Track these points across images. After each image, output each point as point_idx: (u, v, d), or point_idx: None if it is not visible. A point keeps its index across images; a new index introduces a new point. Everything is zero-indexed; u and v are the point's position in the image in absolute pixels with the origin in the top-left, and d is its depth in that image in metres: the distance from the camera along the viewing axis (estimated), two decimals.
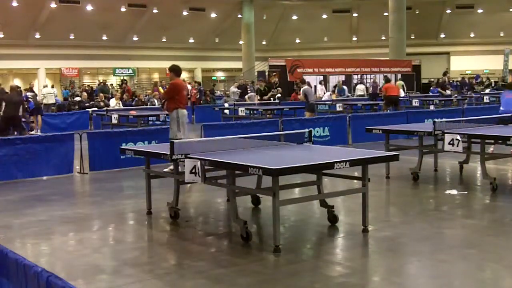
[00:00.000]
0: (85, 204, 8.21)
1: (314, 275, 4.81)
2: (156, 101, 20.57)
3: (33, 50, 35.10)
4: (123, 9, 35.90)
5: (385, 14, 34.11)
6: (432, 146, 9.38)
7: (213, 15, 40.02)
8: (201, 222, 7.05)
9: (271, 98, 23.71)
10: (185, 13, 38.52)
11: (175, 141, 6.54)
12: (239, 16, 39.56)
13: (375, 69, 32.12)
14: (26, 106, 15.88)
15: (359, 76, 32.59)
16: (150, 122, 15.81)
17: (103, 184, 9.48)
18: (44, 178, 9.91)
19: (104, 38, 37.55)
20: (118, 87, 32.32)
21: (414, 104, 19.87)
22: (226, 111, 19.47)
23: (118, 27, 36.86)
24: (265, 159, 5.91)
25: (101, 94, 23.47)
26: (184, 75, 41.80)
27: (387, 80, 19.83)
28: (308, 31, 42.49)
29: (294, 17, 42.68)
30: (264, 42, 43.24)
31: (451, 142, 7.91)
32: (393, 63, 33.04)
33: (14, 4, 31.46)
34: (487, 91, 29.35)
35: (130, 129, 12.74)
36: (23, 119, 14.15)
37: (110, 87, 31.54)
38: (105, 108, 18.46)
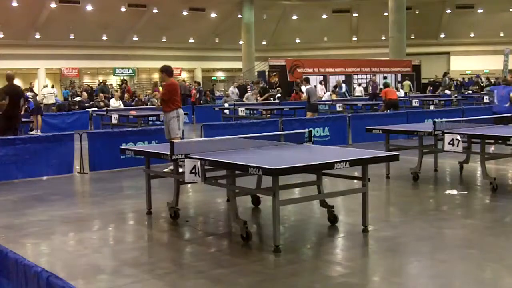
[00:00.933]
0: (85, 204, 8.21)
1: (314, 275, 4.81)
2: (156, 101, 20.56)
3: (33, 50, 35.12)
4: (123, 9, 35.92)
5: (385, 14, 34.13)
6: (432, 146, 9.38)
7: (213, 15, 40.03)
8: (201, 222, 7.05)
9: (271, 98, 23.69)
10: (185, 13, 38.53)
11: (175, 141, 6.53)
12: (239, 16, 39.57)
13: (375, 69, 32.12)
14: (26, 106, 15.83)
15: (359, 76, 32.59)
16: (150, 122, 15.81)
17: (103, 184, 9.48)
18: (44, 178, 9.91)
19: (104, 38, 37.56)
20: (118, 87, 32.31)
21: (414, 104, 19.87)
22: (226, 111, 19.47)
23: (118, 27, 36.87)
24: (265, 159, 5.91)
25: (101, 94, 23.47)
26: (184, 75, 41.91)
27: (386, 85, 19.85)
28: (308, 31, 42.50)
29: (294, 17, 42.69)
30: (264, 42, 43.26)
31: (451, 142, 7.91)
32: (393, 63, 33.05)
33: (14, 4, 31.47)
34: (485, 90, 29.34)
35: (130, 129, 12.74)
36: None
37: (110, 87, 31.55)
38: (105, 108, 18.46)
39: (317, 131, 13.39)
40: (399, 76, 32.90)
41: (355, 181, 6.86)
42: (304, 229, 6.47)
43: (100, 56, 37.78)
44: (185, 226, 6.68)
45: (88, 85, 33.74)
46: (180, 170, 6.71)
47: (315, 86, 29.67)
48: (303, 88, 17.00)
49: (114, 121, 15.40)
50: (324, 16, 42.58)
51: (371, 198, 6.16)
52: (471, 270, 4.96)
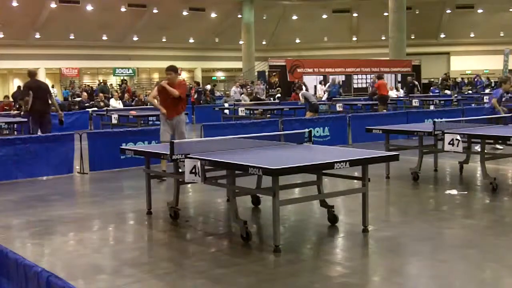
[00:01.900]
0: (85, 204, 8.21)
1: (314, 275, 4.81)
2: (156, 101, 20.53)
3: (33, 50, 35.15)
4: (123, 9, 35.94)
5: (385, 14, 34.15)
6: (432, 146, 9.38)
7: (213, 15, 40.05)
8: (201, 222, 7.05)
9: (271, 99, 23.70)
10: (185, 13, 38.55)
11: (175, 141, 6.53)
12: (239, 16, 39.59)
13: (375, 69, 32.14)
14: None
15: (359, 76, 32.60)
16: (150, 122, 15.80)
17: (103, 184, 9.48)
18: (44, 178, 9.91)
19: (104, 38, 37.59)
20: (118, 87, 32.33)
21: (414, 104, 19.87)
22: (226, 111, 19.48)
23: (118, 27, 36.89)
24: (265, 159, 5.90)
25: (101, 94, 23.47)
26: (184, 75, 41.92)
27: (380, 77, 19.76)
28: (308, 31, 42.52)
29: (294, 17, 42.72)
30: (264, 42, 43.28)
31: (451, 142, 7.91)
32: (393, 63, 33.07)
33: (14, 4, 31.49)
34: (487, 91, 29.35)
35: (130, 129, 12.74)
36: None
37: (110, 87, 31.57)
38: (105, 108, 18.46)
39: (317, 131, 13.39)
40: (399, 76, 32.91)
41: (355, 181, 6.86)
42: (304, 229, 6.47)
43: (100, 56, 37.80)
44: (185, 226, 6.68)
45: (88, 85, 33.76)
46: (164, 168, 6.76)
47: (315, 86, 29.81)
48: (300, 94, 17.07)
49: (114, 121, 15.41)
50: (324, 16, 42.60)
51: (371, 198, 6.15)
52: (471, 270, 4.96)
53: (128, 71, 40.63)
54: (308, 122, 13.58)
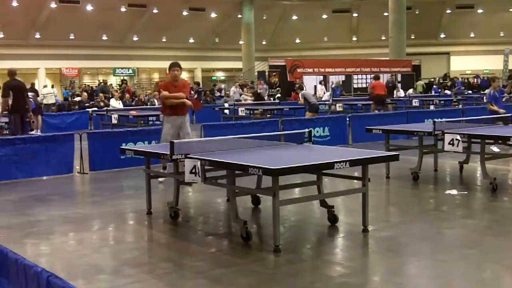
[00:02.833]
0: (85, 204, 8.21)
1: (314, 275, 4.81)
2: (156, 101, 20.56)
3: (33, 50, 35.15)
4: (123, 9, 35.94)
5: (385, 14, 34.15)
6: (432, 146, 9.38)
7: (213, 15, 40.05)
8: (201, 222, 7.05)
9: (271, 98, 23.69)
10: (185, 13, 38.55)
11: (175, 141, 6.53)
12: (239, 16, 39.60)
13: (375, 69, 32.15)
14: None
15: (359, 76, 32.61)
16: (150, 122, 15.81)
17: (103, 184, 9.48)
18: (44, 178, 9.91)
19: (104, 38, 37.58)
20: (118, 87, 32.33)
21: (414, 104, 19.87)
22: (226, 111, 19.48)
23: (118, 27, 36.89)
24: (265, 159, 5.90)
25: (101, 94, 23.47)
26: (184, 75, 41.90)
27: (376, 78, 19.72)
28: (308, 31, 42.52)
29: (294, 17, 42.72)
30: (264, 42, 43.28)
31: (451, 142, 7.91)
32: (393, 63, 33.07)
33: (14, 4, 31.49)
34: (486, 91, 29.35)
35: (130, 129, 12.74)
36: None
37: (110, 87, 31.58)
38: (105, 108, 18.46)
39: (317, 131, 13.39)
40: (399, 76, 32.91)
41: (355, 181, 6.86)
42: (304, 229, 6.47)
43: (100, 56, 37.80)
44: (185, 226, 6.68)
45: (88, 85, 33.77)
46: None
47: (315, 86, 29.82)
48: (300, 94, 17.04)
49: (114, 121, 15.40)
50: (324, 16, 42.61)
51: (371, 198, 6.15)
52: (471, 270, 4.96)
53: (128, 71, 40.63)
54: (308, 122, 13.58)
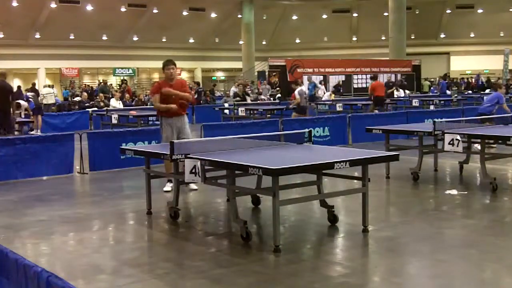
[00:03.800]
0: (85, 204, 8.21)
1: (314, 275, 4.81)
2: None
3: (33, 50, 35.14)
4: (123, 9, 35.94)
5: (385, 14, 34.16)
6: (432, 146, 9.38)
7: (213, 15, 40.06)
8: (201, 222, 7.05)
9: (271, 98, 23.67)
10: (185, 13, 38.55)
11: (175, 141, 6.53)
12: (239, 16, 39.60)
13: (375, 69, 32.16)
14: (19, 109, 15.89)
15: (359, 76, 32.62)
16: (150, 122, 15.81)
17: (103, 184, 9.48)
18: (44, 178, 9.91)
19: (104, 38, 37.58)
20: (118, 87, 32.33)
21: (414, 104, 19.87)
22: (226, 111, 19.47)
23: (118, 27, 36.89)
24: (265, 159, 5.90)
25: (101, 94, 23.48)
26: (184, 75, 41.92)
27: (375, 78, 19.66)
28: (308, 31, 42.53)
29: (294, 17, 42.73)
30: (264, 42, 43.28)
31: (451, 142, 7.91)
32: (393, 63, 33.08)
33: (14, 4, 31.49)
34: (487, 91, 29.37)
35: (130, 129, 12.74)
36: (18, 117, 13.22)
37: (110, 87, 31.57)
38: (105, 108, 18.47)
39: (317, 131, 13.39)
40: (399, 76, 32.92)
41: (355, 181, 6.86)
42: (304, 229, 6.47)
43: (100, 56, 37.80)
44: (185, 226, 6.68)
45: (88, 85, 33.76)
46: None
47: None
48: (296, 92, 16.44)
49: (114, 121, 15.41)
50: (324, 16, 42.62)
51: (371, 198, 6.15)
52: (471, 270, 4.96)
53: (128, 71, 40.62)
54: (308, 122, 13.58)
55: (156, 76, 41.41)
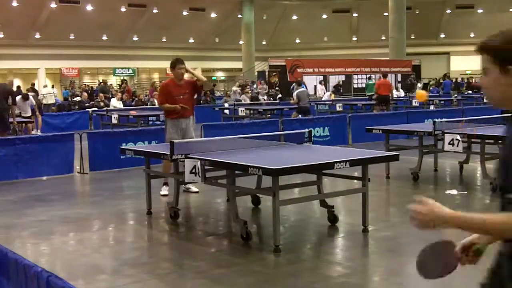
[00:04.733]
0: (85, 204, 8.21)
1: (314, 275, 4.81)
2: (156, 101, 20.55)
3: (33, 50, 35.13)
4: (123, 9, 35.93)
5: (385, 14, 34.14)
6: (432, 146, 9.38)
7: (213, 15, 40.05)
8: (201, 222, 7.05)
9: (271, 99, 23.67)
10: (185, 13, 38.54)
11: (175, 141, 6.52)
12: (239, 16, 39.59)
13: (375, 69, 32.15)
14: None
15: (359, 76, 32.61)
16: (150, 122, 15.82)
17: (103, 184, 9.48)
18: (44, 178, 9.91)
19: (104, 38, 37.57)
20: (118, 87, 32.33)
21: (414, 104, 19.87)
22: (226, 111, 19.47)
23: (118, 27, 36.88)
24: (265, 159, 5.90)
25: (101, 94, 23.48)
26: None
27: (384, 76, 19.60)
28: (308, 31, 42.52)
29: (294, 17, 42.72)
30: (264, 42, 43.27)
31: (451, 142, 7.91)
32: (393, 63, 33.07)
33: (14, 4, 31.48)
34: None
35: (130, 129, 12.74)
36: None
37: (110, 87, 31.57)
38: (105, 108, 18.47)
39: (317, 131, 13.38)
40: (399, 76, 32.92)
41: (355, 181, 6.86)
42: (304, 229, 6.47)
43: (100, 56, 37.79)
44: (185, 226, 6.68)
45: (88, 85, 33.75)
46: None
47: (315, 87, 29.81)
48: (294, 93, 16.29)
49: (114, 121, 15.41)
50: (324, 16, 42.61)
51: (371, 198, 6.15)
52: (471, 270, 4.96)
53: (128, 71, 40.62)
54: (308, 122, 13.58)
55: (156, 76, 41.40)
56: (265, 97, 26.31)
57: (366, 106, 19.73)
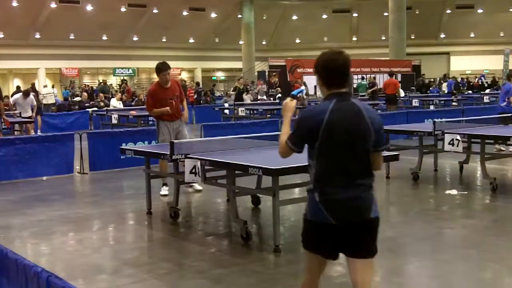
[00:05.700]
0: (85, 204, 8.21)
1: None
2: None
3: (33, 50, 35.10)
4: (123, 9, 35.90)
5: (385, 14, 34.12)
6: (432, 146, 9.38)
7: (213, 15, 40.03)
8: (201, 222, 7.05)
9: (271, 98, 23.63)
10: (185, 13, 38.52)
11: (175, 141, 6.53)
12: (239, 16, 39.57)
13: (375, 69, 32.12)
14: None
15: (359, 76, 32.60)
16: (150, 122, 15.81)
17: (103, 184, 9.48)
18: (44, 178, 9.91)
19: (104, 38, 37.54)
20: (118, 87, 32.33)
21: (414, 104, 19.87)
22: (226, 111, 19.46)
23: (118, 27, 36.85)
24: (265, 159, 5.90)
25: (101, 94, 23.48)
26: (184, 75, 41.92)
27: (390, 75, 19.57)
28: (308, 31, 42.49)
29: (294, 17, 42.69)
30: (264, 42, 43.25)
31: (451, 142, 7.91)
32: (393, 63, 33.03)
33: (14, 4, 31.45)
34: (487, 91, 29.39)
35: (130, 129, 12.74)
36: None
37: (110, 87, 31.55)
38: (105, 108, 18.46)
39: None
40: (399, 76, 32.88)
41: None
42: None
43: (100, 56, 37.75)
44: (185, 226, 6.68)
45: (88, 85, 33.74)
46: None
47: (315, 86, 29.77)
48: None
49: (114, 121, 15.41)
50: (324, 16, 42.58)
51: None
52: (471, 270, 4.96)
53: (128, 71, 40.60)
54: None
55: (155, 76, 41.37)
56: (265, 97, 26.29)
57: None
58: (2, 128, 12.67)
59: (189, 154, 5.97)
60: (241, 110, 18.15)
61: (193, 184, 7.99)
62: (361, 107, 3.23)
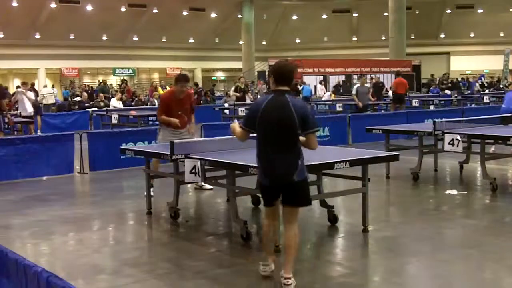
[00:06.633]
0: (85, 204, 8.21)
1: (314, 275, 4.81)
2: (156, 101, 20.57)
3: (33, 50, 35.10)
4: (123, 9, 35.91)
5: (385, 14, 34.12)
6: (432, 146, 9.38)
7: (213, 15, 40.04)
8: (201, 222, 7.05)
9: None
10: (185, 13, 38.53)
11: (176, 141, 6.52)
12: (239, 16, 39.59)
13: (375, 69, 32.12)
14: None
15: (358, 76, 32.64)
16: (150, 122, 15.82)
17: (103, 184, 9.48)
18: (44, 178, 9.91)
19: (104, 38, 37.55)
20: (118, 87, 32.32)
21: (414, 104, 19.86)
22: (226, 111, 19.46)
23: (118, 27, 36.86)
24: None
25: (101, 94, 23.48)
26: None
27: (398, 74, 19.57)
28: (308, 31, 42.49)
29: (294, 17, 42.69)
30: (264, 42, 43.24)
31: (451, 142, 7.91)
32: (393, 63, 33.04)
33: (14, 4, 31.46)
34: (486, 91, 29.37)
35: (130, 129, 12.75)
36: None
37: (110, 87, 31.54)
38: (105, 108, 18.46)
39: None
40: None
41: (355, 181, 6.86)
42: (304, 229, 6.46)
43: (100, 56, 37.76)
44: (185, 226, 6.68)
45: (88, 85, 33.74)
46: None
47: (315, 87, 29.79)
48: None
49: (114, 121, 15.42)
50: (324, 16, 42.58)
51: (371, 198, 6.15)
52: (471, 270, 4.96)
53: (128, 71, 40.60)
54: None
55: (156, 76, 41.39)
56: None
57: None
58: (4, 128, 12.63)
59: (189, 154, 5.97)
60: (241, 110, 18.14)
61: (203, 184, 7.95)
62: (289, 100, 4.36)
